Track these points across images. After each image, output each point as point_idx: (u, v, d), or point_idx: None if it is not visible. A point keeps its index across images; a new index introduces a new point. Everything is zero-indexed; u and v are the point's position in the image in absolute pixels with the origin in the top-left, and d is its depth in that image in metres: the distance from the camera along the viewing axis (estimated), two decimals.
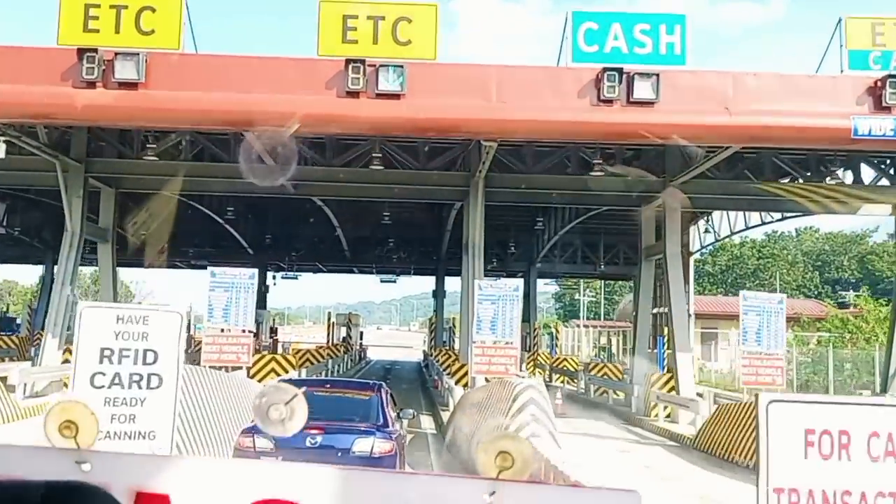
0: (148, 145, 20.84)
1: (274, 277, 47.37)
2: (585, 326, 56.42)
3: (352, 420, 9.44)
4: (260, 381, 21.61)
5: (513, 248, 36.76)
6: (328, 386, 11.55)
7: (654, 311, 45.39)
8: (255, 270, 18.20)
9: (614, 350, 52.48)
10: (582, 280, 64.71)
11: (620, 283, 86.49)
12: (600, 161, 21.58)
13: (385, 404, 9.95)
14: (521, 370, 20.22)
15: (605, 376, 29.56)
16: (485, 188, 22.94)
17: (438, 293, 44.36)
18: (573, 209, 32.70)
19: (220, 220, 33.61)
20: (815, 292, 74.99)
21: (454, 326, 40.57)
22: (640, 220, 25.72)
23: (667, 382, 22.95)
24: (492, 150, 19.86)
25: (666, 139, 19.21)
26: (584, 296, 67.32)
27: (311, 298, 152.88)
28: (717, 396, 21.73)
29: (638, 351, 25.98)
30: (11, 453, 1.65)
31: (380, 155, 21.39)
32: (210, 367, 17.63)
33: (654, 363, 25.33)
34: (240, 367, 18.19)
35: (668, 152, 23.40)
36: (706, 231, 31.62)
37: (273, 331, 46.12)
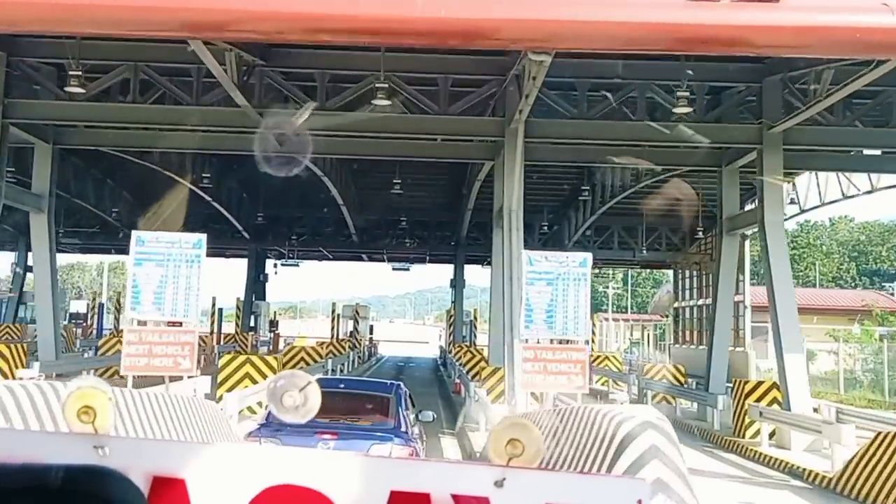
0: (71, 72, 14.80)
1: (275, 266, 41.44)
2: (615, 320, 50.26)
3: (368, 424, 8.75)
4: (223, 393, 15.66)
5: (545, 228, 30.68)
6: (342, 386, 10.02)
7: (700, 301, 39.22)
8: (203, 237, 12.19)
9: (647, 346, 46.39)
10: (612, 269, 58.53)
11: (643, 275, 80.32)
12: (686, 94, 15.39)
13: (403, 406, 9.03)
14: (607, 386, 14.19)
15: (664, 380, 23.40)
16: (524, 138, 16.86)
17: (457, 282, 38.21)
18: (617, 180, 26.59)
19: (200, 192, 27.60)
20: (853, 284, 68.59)
21: (475, 320, 34.54)
22: (721, 184, 19.51)
23: (767, 392, 16.84)
24: (541, 73, 13.76)
25: (794, 50, 13.06)
26: (611, 287, 61.14)
27: (325, 292, 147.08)
28: (840, 413, 15.61)
29: (716, 351, 19.77)
30: (30, 438, 1.71)
31: (385, 86, 15.31)
32: (134, 377, 11.70)
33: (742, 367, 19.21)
34: (179, 378, 12.19)
35: (765, 90, 17.23)
36: (790, 202, 25.32)
37: (273, 324, 40.16)
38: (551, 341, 11.76)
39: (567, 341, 11.86)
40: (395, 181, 24.57)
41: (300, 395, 1.71)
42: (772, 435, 16.04)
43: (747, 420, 16.65)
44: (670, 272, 58.33)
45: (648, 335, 44.89)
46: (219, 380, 17.08)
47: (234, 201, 33.69)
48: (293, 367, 23.59)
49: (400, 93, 17.11)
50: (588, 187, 25.77)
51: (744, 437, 16.77)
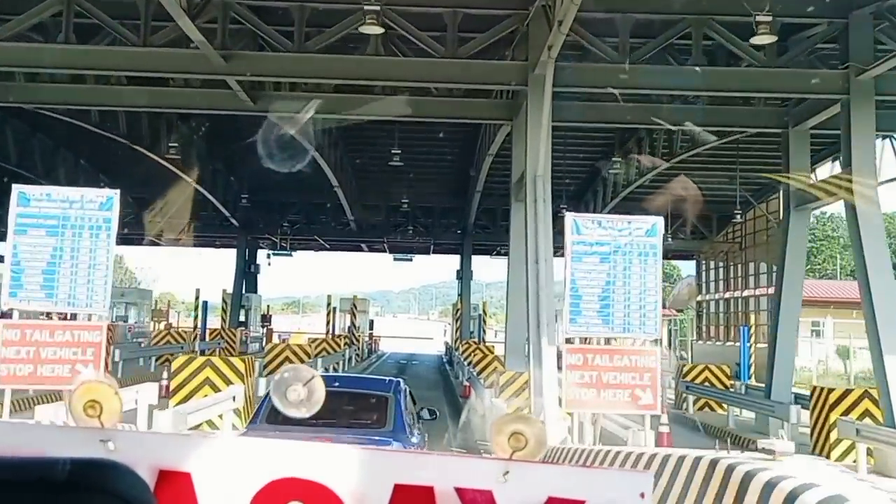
0: None
1: (268, 256, 37.75)
2: None
3: (365, 425, 7.67)
4: (174, 405, 12.07)
5: (562, 212, 27.03)
6: (337, 384, 8.29)
7: (727, 294, 35.58)
8: (115, 194, 8.62)
9: (668, 342, 42.79)
10: None
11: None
12: (767, 20, 11.68)
13: (403, 405, 7.91)
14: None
15: (707, 383, 19.72)
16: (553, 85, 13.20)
17: (464, 273, 34.53)
18: (645, 156, 22.91)
19: (182, 174, 24.01)
20: None
21: (484, 314, 30.92)
22: (788, 150, 15.80)
23: (857, 402, 13.21)
24: None
25: None
26: None
27: (329, 287, 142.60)
28: None
29: (781, 350, 16.09)
30: (38, 432, 1.70)
31: (376, 8, 11.65)
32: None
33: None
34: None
35: (852, 27, 13.56)
36: None
37: (266, 319, 36.52)
38: (607, 341, 8.11)
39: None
40: (394, 151, 20.86)
41: (304, 390, 1.70)
42: (871, 453, 12.41)
43: (832, 437, 13.04)
44: (683, 264, 54.58)
45: (667, 331, 41.20)
46: (171, 388, 13.50)
47: (219, 185, 30.14)
48: (274, 369, 20.02)
49: (396, 30, 13.50)
50: (618, 159, 22.01)
51: (828, 458, 13.14)
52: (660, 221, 8.45)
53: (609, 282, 8.16)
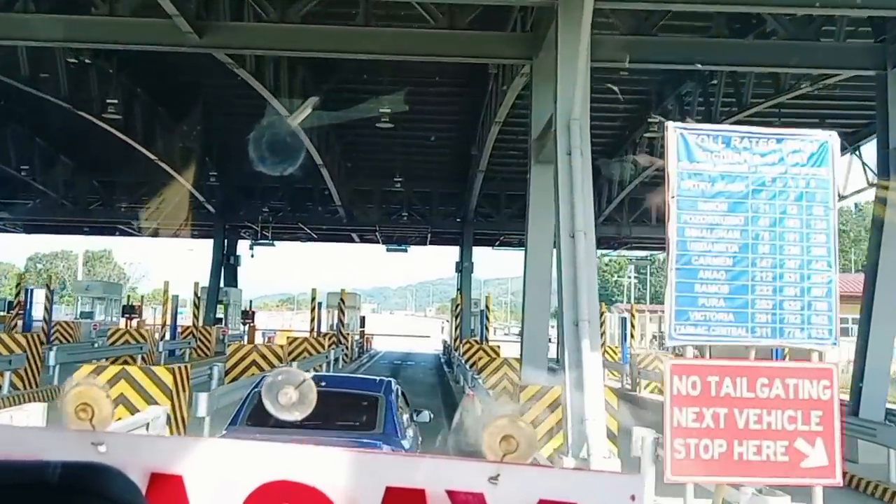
0: None
1: (252, 247, 33.94)
2: (640, 311, 42.95)
3: (353, 428, 7.16)
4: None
5: None
6: (324, 384, 6.79)
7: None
8: None
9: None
10: (641, 255, 51.24)
11: (657, 265, 72.96)
12: None
13: (395, 406, 7.39)
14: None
15: None
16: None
17: (464, 265, 30.77)
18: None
19: (149, 153, 20.32)
20: None
21: (487, 309, 27.15)
22: (885, 96, 12.04)
23: None
24: None
25: None
26: (630, 276, 53.93)
27: (326, 284, 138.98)
28: None
29: (873, 353, 12.35)
30: (29, 434, 1.68)
31: None
32: None
33: None
34: None
35: None
36: None
37: (247, 315, 32.69)
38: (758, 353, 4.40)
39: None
40: (382, 111, 17.02)
41: (295, 393, 1.64)
42: None
43: None
44: None
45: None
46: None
47: (193, 166, 26.37)
48: (237, 376, 16.32)
49: None
50: (655, 120, 18.12)
51: None
52: (833, 139, 4.74)
53: (745, 246, 4.48)
